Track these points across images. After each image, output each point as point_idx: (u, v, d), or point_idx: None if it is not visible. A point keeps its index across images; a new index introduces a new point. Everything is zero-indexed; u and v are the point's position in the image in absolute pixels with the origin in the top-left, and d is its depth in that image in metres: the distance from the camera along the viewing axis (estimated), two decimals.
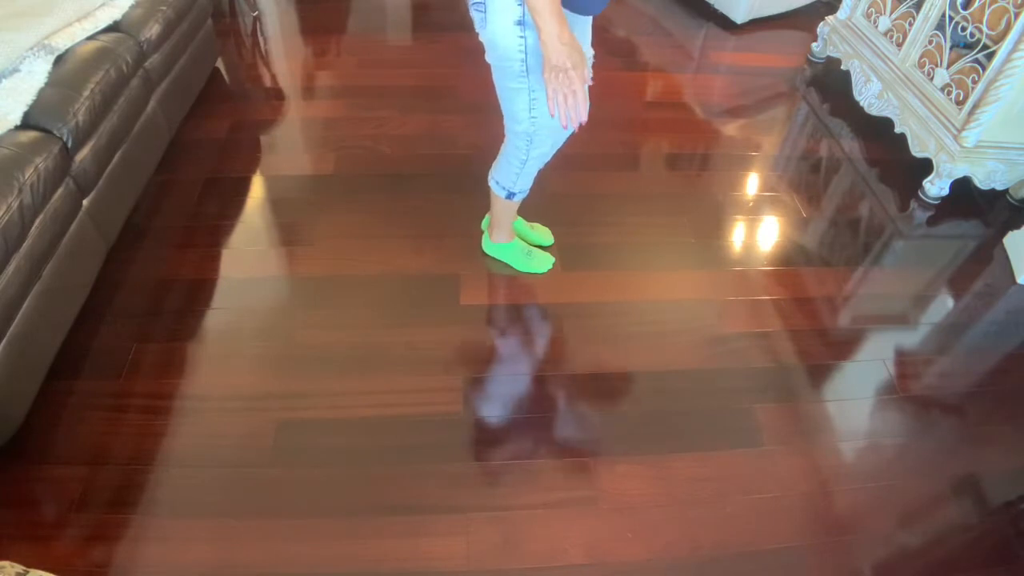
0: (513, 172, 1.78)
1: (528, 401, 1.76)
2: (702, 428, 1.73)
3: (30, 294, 1.56)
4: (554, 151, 1.73)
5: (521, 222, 2.17)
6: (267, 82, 2.96)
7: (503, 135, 1.77)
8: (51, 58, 1.83)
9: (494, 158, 2.45)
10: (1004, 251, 2.28)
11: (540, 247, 2.17)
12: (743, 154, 2.68)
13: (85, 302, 1.81)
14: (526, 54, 1.42)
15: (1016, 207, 2.46)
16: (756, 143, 2.74)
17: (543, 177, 2.45)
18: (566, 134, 1.66)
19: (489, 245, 2.11)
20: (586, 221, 2.29)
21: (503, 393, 1.78)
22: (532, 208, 2.33)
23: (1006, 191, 2.48)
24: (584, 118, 1.37)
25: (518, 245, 2.09)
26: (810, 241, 2.30)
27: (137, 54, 2.10)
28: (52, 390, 1.66)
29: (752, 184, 2.55)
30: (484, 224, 2.16)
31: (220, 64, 2.96)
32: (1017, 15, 2.07)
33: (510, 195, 1.85)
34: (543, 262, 2.11)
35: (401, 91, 2.86)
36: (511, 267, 2.10)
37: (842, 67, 2.95)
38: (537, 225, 2.22)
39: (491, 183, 1.88)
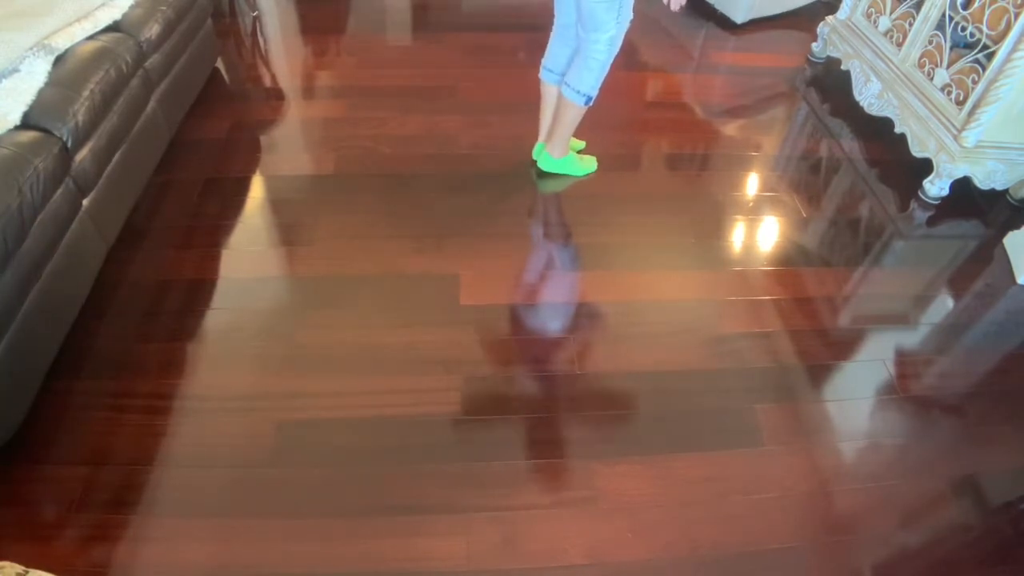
0: (595, 76, 2.07)
1: (528, 401, 1.76)
2: (702, 428, 1.73)
3: (30, 294, 1.56)
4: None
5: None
6: (267, 82, 2.96)
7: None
8: (51, 58, 1.83)
9: (494, 158, 2.46)
10: (1004, 251, 2.28)
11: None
12: (743, 154, 2.68)
13: (85, 302, 1.81)
14: None
15: (1016, 207, 2.46)
16: (756, 143, 2.74)
17: (542, 176, 2.46)
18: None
19: (550, 162, 2.38)
20: (586, 221, 2.29)
21: (503, 393, 1.78)
22: (532, 204, 2.34)
23: (1006, 191, 2.48)
24: (684, 1, 1.86)
25: (572, 156, 2.40)
26: (810, 241, 2.30)
27: (137, 54, 2.10)
28: (52, 390, 1.66)
29: (752, 184, 2.55)
30: (536, 152, 2.44)
31: (220, 64, 2.96)
32: (1017, 15, 2.07)
33: (588, 100, 2.13)
34: (591, 163, 2.46)
35: (401, 91, 2.86)
36: (569, 176, 2.42)
37: (842, 67, 2.95)
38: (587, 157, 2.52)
39: (570, 94, 2.13)
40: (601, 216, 2.31)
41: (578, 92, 2.11)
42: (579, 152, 2.50)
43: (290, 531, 1.47)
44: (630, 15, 2.00)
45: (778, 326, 1.99)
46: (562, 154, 2.36)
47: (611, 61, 2.07)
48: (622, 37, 2.04)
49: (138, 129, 2.11)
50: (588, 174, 2.45)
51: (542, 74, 2.31)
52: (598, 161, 2.49)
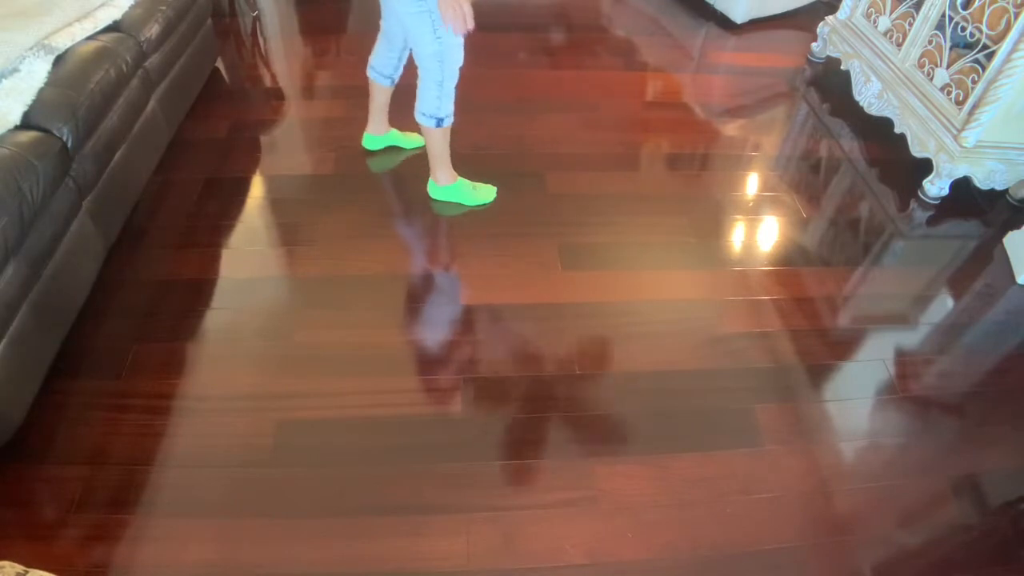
0: (434, 96, 1.96)
1: (528, 401, 1.76)
2: (702, 428, 1.73)
3: (30, 294, 1.56)
4: (459, 69, 1.96)
5: (395, 132, 2.43)
6: (267, 82, 2.96)
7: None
8: (51, 58, 1.83)
9: (494, 158, 2.45)
10: (1004, 251, 2.28)
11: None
12: (743, 154, 2.68)
13: (85, 302, 1.81)
14: None
15: (1016, 207, 2.46)
16: (756, 143, 2.74)
17: (542, 176, 2.46)
18: (461, 53, 1.91)
19: (436, 190, 2.25)
20: (586, 221, 2.29)
21: (503, 393, 1.78)
22: (532, 204, 2.34)
23: (1006, 191, 2.48)
24: (472, 26, 1.70)
25: (463, 183, 2.25)
26: (810, 241, 2.30)
27: (137, 54, 2.10)
28: (52, 390, 1.66)
29: (752, 184, 2.55)
30: (365, 140, 2.41)
31: (220, 64, 2.96)
32: (1017, 15, 2.07)
33: (439, 122, 2.02)
34: (488, 193, 2.29)
35: (401, 91, 2.86)
36: (462, 205, 2.26)
37: (842, 67, 2.95)
38: (411, 133, 2.44)
39: (419, 119, 2.04)
40: (601, 216, 2.31)
41: (425, 115, 2.02)
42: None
43: (290, 531, 1.47)
44: (453, 39, 1.85)
45: (778, 326, 1.99)
46: (447, 181, 2.23)
47: (450, 81, 1.95)
48: (455, 56, 1.91)
49: (138, 129, 2.11)
50: (482, 205, 2.28)
51: (368, 71, 2.27)
52: (596, 161, 2.49)
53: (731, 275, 2.15)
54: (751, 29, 3.47)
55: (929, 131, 2.43)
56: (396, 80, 2.24)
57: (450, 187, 2.23)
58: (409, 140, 2.50)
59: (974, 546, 1.54)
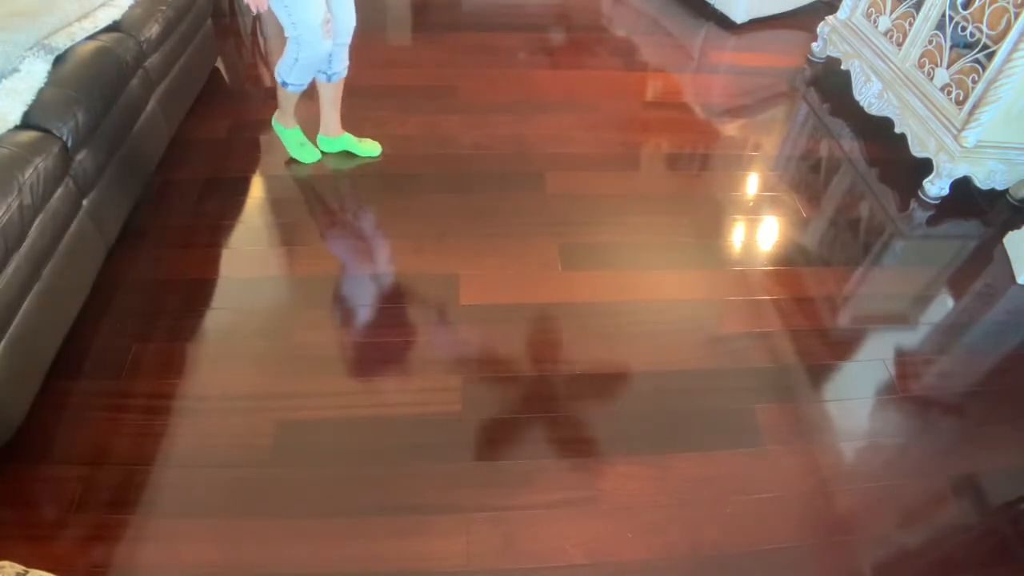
0: (287, 67, 2.13)
1: (528, 401, 1.76)
2: (702, 428, 1.73)
3: (30, 294, 1.56)
4: (320, 58, 2.09)
5: (349, 137, 2.49)
6: (267, 82, 2.96)
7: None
8: (51, 58, 1.83)
9: (494, 158, 2.44)
10: (1004, 251, 2.28)
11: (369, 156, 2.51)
12: (743, 154, 2.68)
13: (85, 302, 1.81)
14: None
15: (1016, 207, 2.46)
16: (756, 143, 2.74)
17: (542, 176, 2.46)
18: (326, 46, 2.05)
19: (275, 123, 2.43)
20: (586, 221, 2.29)
21: (503, 393, 1.78)
22: (532, 204, 2.34)
23: (1006, 191, 2.48)
24: (263, 8, 1.92)
25: (296, 134, 2.43)
26: (810, 241, 2.30)
27: (137, 54, 2.10)
28: (52, 390, 1.66)
29: (752, 184, 2.55)
30: (321, 143, 2.48)
31: (220, 64, 2.96)
32: (1017, 15, 2.07)
33: (284, 84, 2.19)
34: (310, 155, 2.44)
35: (401, 91, 2.86)
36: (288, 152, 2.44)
37: (842, 67, 2.96)
38: (367, 140, 2.52)
39: (275, 73, 2.21)
40: (601, 216, 2.31)
41: (279, 74, 2.17)
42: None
43: (290, 531, 1.47)
44: (310, 25, 1.98)
45: (778, 326, 1.99)
46: (284, 125, 2.40)
47: (306, 61, 2.07)
48: (311, 43, 2.02)
49: (138, 129, 2.11)
50: (299, 160, 2.44)
51: None
52: (596, 161, 2.47)
53: (731, 275, 2.15)
54: (751, 29, 3.47)
55: (929, 131, 2.43)
56: (333, 76, 2.23)
57: (284, 130, 2.41)
58: (363, 148, 2.49)
59: (974, 546, 1.54)
